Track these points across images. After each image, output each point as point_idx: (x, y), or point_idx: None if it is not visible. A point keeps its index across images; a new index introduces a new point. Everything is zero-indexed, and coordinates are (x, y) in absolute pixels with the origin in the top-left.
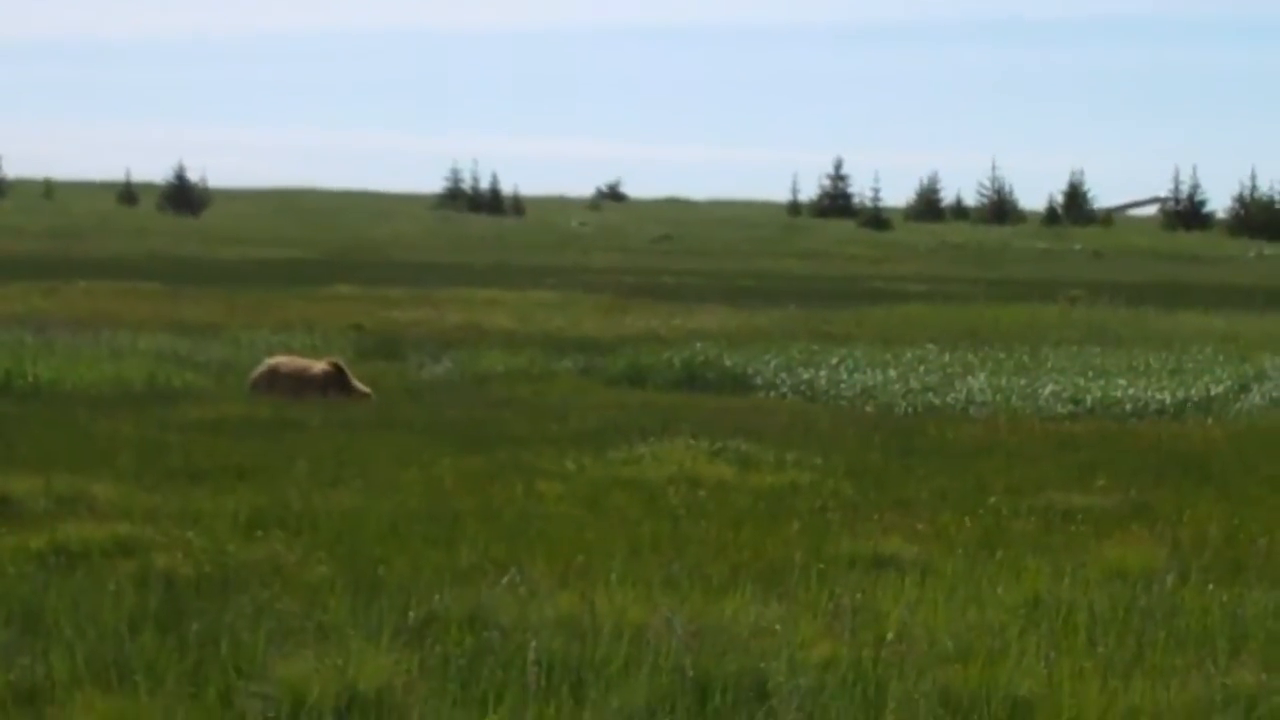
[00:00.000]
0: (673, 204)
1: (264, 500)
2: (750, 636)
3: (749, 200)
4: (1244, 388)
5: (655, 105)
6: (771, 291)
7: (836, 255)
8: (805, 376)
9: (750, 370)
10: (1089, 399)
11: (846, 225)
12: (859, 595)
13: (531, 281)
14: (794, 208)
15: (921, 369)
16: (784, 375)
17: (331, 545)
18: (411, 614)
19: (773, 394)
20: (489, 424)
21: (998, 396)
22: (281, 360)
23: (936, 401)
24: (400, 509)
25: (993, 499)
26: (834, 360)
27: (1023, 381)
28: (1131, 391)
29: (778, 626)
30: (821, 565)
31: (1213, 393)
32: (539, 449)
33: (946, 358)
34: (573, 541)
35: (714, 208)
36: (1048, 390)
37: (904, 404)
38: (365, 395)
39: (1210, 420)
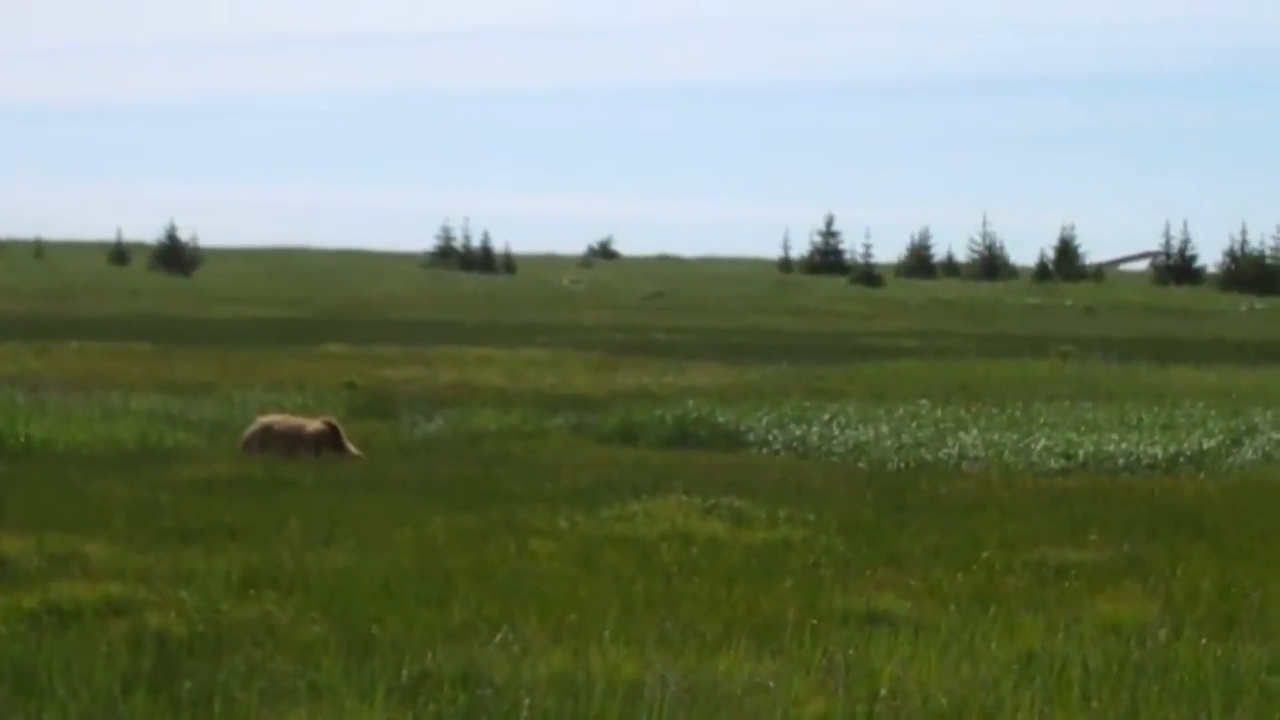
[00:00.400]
0: (664, 261)
1: (257, 559)
2: (744, 693)
3: (740, 257)
4: (1236, 442)
5: (646, 163)
6: (764, 348)
7: (828, 311)
8: (798, 433)
9: (743, 427)
10: (1081, 454)
11: (838, 282)
12: (852, 651)
13: (523, 339)
14: (785, 264)
15: (914, 424)
16: (776, 431)
17: (324, 604)
18: (405, 673)
19: (765, 450)
20: (481, 482)
21: (990, 452)
22: (274, 419)
23: (929, 457)
24: (393, 568)
25: (986, 554)
26: (826, 416)
27: (1015, 437)
28: (1124, 446)
29: (771, 683)
30: (815, 621)
31: (1205, 447)
32: (531, 507)
33: (939, 413)
34: (566, 599)
35: (706, 264)
36: (1040, 445)
37: (896, 459)
38: (356, 456)
39: (1202, 475)
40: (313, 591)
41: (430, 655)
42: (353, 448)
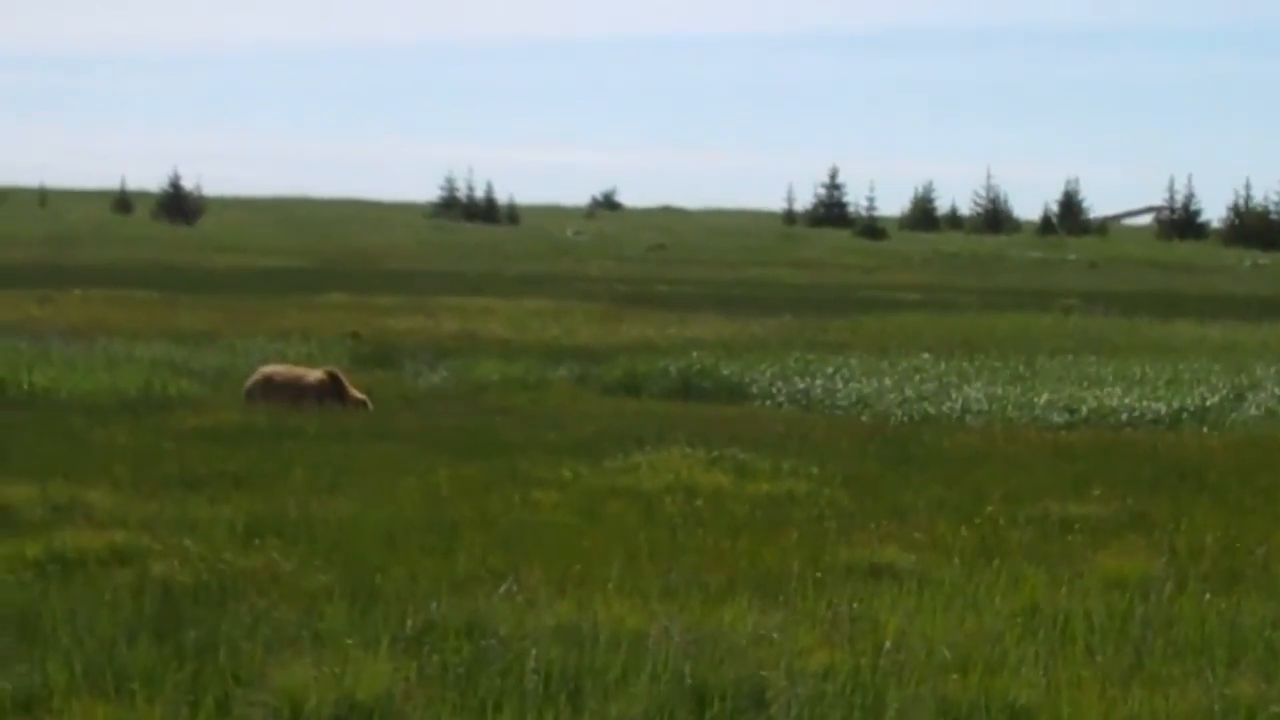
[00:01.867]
0: (668, 213)
1: (261, 508)
2: (748, 645)
3: (744, 209)
4: (1239, 397)
5: (651, 114)
6: (767, 300)
7: (831, 264)
8: (801, 385)
9: (746, 379)
10: (1085, 408)
11: (841, 234)
12: (856, 604)
13: (526, 290)
14: (789, 217)
15: (917, 378)
16: (780, 384)
17: (329, 554)
18: (409, 622)
19: (768, 403)
20: (485, 433)
21: (993, 406)
22: (276, 369)
23: (932, 410)
24: (397, 518)
25: (989, 508)
26: (829, 369)
27: (1018, 391)
28: (1127, 401)
29: (775, 635)
30: (819, 574)
31: (1208, 402)
32: (535, 458)
33: (942, 367)
34: (570, 550)
35: (709, 217)
36: (1043, 399)
37: (900, 413)
38: (362, 403)
39: (1206, 430)
40: (317, 540)
41: (435, 605)
42: (359, 394)
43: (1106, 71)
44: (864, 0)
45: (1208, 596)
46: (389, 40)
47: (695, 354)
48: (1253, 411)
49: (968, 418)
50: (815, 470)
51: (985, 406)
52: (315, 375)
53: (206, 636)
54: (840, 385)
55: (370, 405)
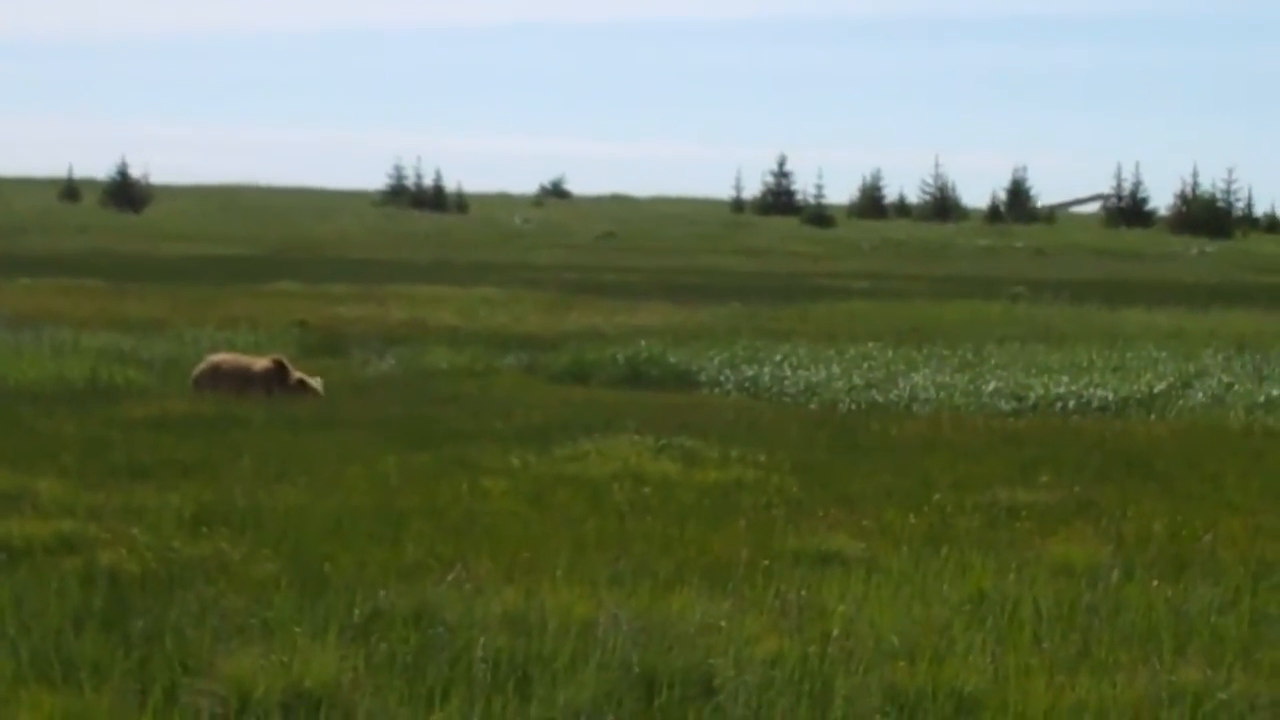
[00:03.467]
0: (616, 201)
1: (209, 497)
2: (696, 633)
3: (693, 197)
4: (1186, 384)
5: (600, 102)
6: (715, 288)
7: (779, 252)
8: (749, 373)
9: (694, 367)
10: (1032, 396)
11: (790, 222)
12: (804, 592)
13: (475, 278)
14: (737, 205)
15: (865, 366)
16: (728, 372)
17: (276, 542)
18: (357, 611)
19: (717, 391)
20: (433, 421)
21: (941, 393)
22: (223, 358)
23: (880, 398)
24: (345, 506)
25: (937, 495)
26: (778, 357)
27: (966, 378)
28: (1074, 388)
29: (723, 623)
30: (767, 562)
31: (1155, 390)
32: (483, 446)
33: (890, 354)
34: (518, 538)
35: (658, 204)
36: (991, 387)
37: (848, 400)
38: (313, 390)
39: (1153, 417)
40: (265, 529)
41: (382, 593)
42: (311, 381)
43: (1054, 59)
44: None
45: (1154, 584)
46: (336, 27)
47: (643, 342)
48: (1199, 398)
49: (915, 406)
50: (763, 458)
51: (933, 394)
52: (261, 363)
53: (154, 625)
54: (788, 373)
55: (322, 391)
